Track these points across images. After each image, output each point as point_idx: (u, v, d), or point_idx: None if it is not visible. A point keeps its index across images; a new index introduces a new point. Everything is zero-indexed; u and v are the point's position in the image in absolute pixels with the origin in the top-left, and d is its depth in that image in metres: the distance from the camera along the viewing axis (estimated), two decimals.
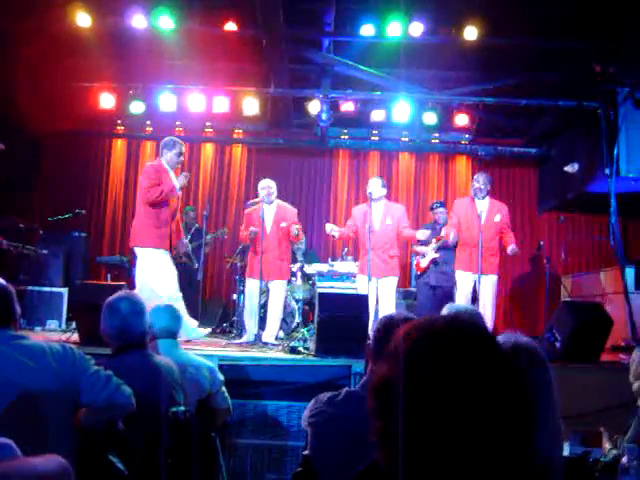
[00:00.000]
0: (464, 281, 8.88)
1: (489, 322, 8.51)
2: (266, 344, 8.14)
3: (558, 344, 7.19)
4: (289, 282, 9.81)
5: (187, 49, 10.29)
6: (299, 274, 10.11)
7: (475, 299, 8.84)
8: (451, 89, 11.31)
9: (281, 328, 9.38)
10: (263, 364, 6.77)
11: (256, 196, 9.09)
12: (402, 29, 9.97)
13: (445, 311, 3.70)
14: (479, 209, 8.84)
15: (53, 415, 3.14)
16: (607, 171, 9.64)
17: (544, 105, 11.03)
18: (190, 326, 7.67)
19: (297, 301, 9.92)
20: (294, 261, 10.41)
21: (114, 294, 4.06)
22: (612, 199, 9.56)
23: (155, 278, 7.67)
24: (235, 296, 10.43)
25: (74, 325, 7.55)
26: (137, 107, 11.39)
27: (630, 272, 9.98)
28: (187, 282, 10.03)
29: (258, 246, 8.51)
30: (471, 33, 9.98)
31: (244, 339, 8.59)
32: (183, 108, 11.42)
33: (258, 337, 8.33)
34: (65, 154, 12.63)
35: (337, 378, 6.46)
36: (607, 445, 4.11)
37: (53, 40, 9.85)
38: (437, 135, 12.89)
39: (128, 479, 3.42)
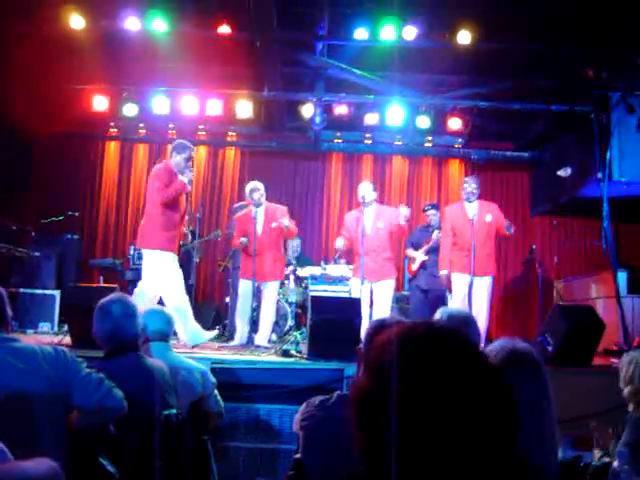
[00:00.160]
0: (459, 283, 8.86)
1: (483, 325, 8.52)
2: (258, 347, 8.13)
3: (550, 348, 7.20)
4: (282, 285, 9.81)
5: (180, 52, 10.28)
6: (292, 277, 10.11)
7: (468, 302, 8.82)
8: (444, 93, 11.33)
9: (274, 331, 9.37)
10: (255, 367, 6.76)
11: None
12: (396, 33, 9.98)
13: (438, 315, 3.70)
14: (470, 212, 8.85)
15: (44, 418, 3.13)
16: (599, 175, 9.66)
17: (537, 109, 11.06)
18: (197, 331, 7.60)
19: (290, 304, 9.92)
20: (287, 264, 10.41)
21: (106, 296, 4.06)
22: (604, 203, 9.57)
23: (161, 282, 7.61)
24: (228, 299, 10.42)
25: (66, 328, 7.53)
26: (130, 109, 11.37)
27: (622, 276, 10.01)
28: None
29: (251, 248, 8.49)
30: (464, 37, 9.99)
31: (236, 342, 8.58)
32: (176, 111, 11.41)
33: (250, 340, 8.32)
34: (58, 156, 12.61)
35: (329, 381, 6.46)
36: (596, 451, 4.12)
37: (46, 42, 9.83)
38: (430, 139, 12.91)
39: None
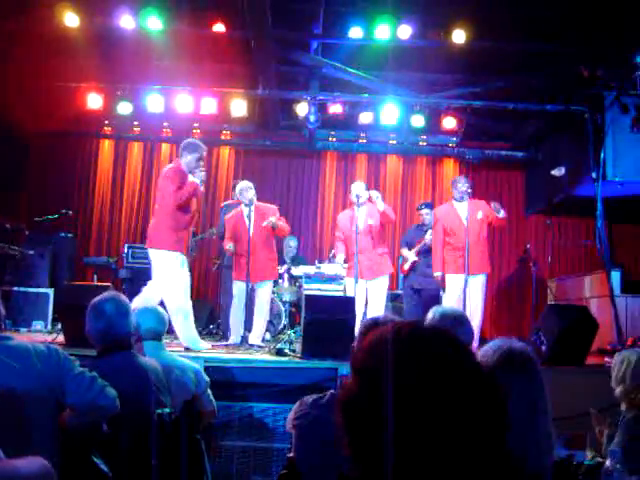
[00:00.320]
0: (454, 284, 8.86)
1: (478, 324, 8.53)
2: (252, 346, 8.12)
3: (544, 347, 7.21)
4: (276, 284, 9.81)
5: (175, 50, 10.25)
6: (286, 276, 10.11)
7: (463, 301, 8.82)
8: (439, 92, 11.33)
9: (268, 330, 9.37)
10: (249, 366, 6.76)
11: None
12: (390, 32, 9.98)
13: (430, 314, 3.70)
14: (462, 212, 8.85)
15: (37, 416, 3.12)
16: (594, 175, 9.68)
17: (531, 109, 11.07)
18: (194, 339, 7.57)
19: (284, 303, 9.92)
20: (282, 263, 10.40)
21: (99, 295, 4.05)
22: (598, 203, 9.59)
23: (165, 283, 7.57)
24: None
25: (60, 326, 7.51)
26: (125, 108, 11.35)
27: (616, 275, 10.03)
28: None
29: (244, 249, 8.47)
30: (459, 36, 10.00)
31: (230, 341, 8.57)
32: (171, 109, 11.39)
33: (244, 339, 8.31)
34: (52, 154, 12.58)
35: (323, 380, 6.46)
36: (589, 451, 4.13)
37: (41, 40, 9.80)
38: (425, 138, 12.91)
39: None
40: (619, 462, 2.84)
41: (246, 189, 8.81)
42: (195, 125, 12.72)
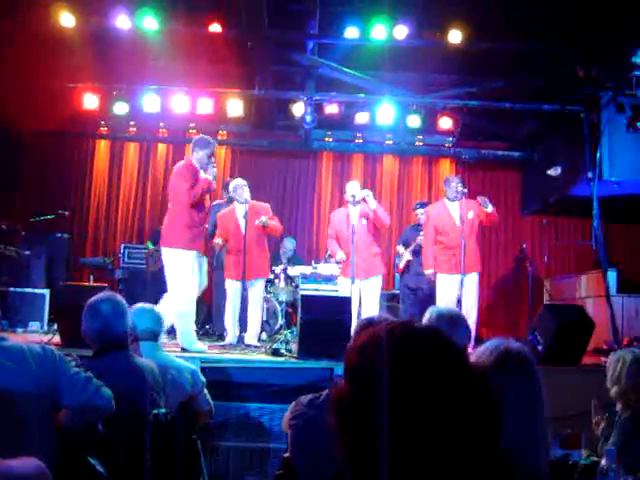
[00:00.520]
0: (446, 284, 8.84)
1: (473, 323, 8.53)
2: (248, 346, 8.12)
3: (540, 347, 7.22)
4: (272, 284, 9.81)
5: (171, 50, 10.25)
6: (282, 276, 10.10)
7: (459, 301, 8.81)
8: (435, 92, 11.33)
9: (264, 330, 9.37)
10: (245, 366, 6.76)
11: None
12: (387, 32, 9.98)
13: (427, 314, 3.70)
14: (454, 211, 8.86)
15: (32, 417, 3.12)
16: (590, 175, 9.69)
17: (527, 109, 11.08)
18: (191, 339, 7.53)
19: (280, 303, 9.92)
20: (278, 263, 10.40)
21: (95, 295, 4.04)
22: (595, 202, 9.60)
23: (174, 280, 7.54)
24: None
25: (56, 327, 7.50)
26: (121, 108, 11.33)
27: (612, 275, 10.05)
28: None
29: (238, 247, 8.46)
30: (455, 37, 10.00)
31: (227, 341, 8.57)
32: (167, 109, 11.38)
33: (240, 339, 8.31)
34: (48, 154, 12.56)
35: (319, 380, 6.46)
36: (584, 452, 4.13)
37: (37, 40, 9.79)
38: (421, 138, 12.91)
39: None
40: (614, 462, 2.84)
41: (241, 187, 8.81)
42: (191, 125, 12.71)
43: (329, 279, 9.78)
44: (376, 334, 1.30)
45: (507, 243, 12.91)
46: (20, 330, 9.37)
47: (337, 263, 9.25)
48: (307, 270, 10.18)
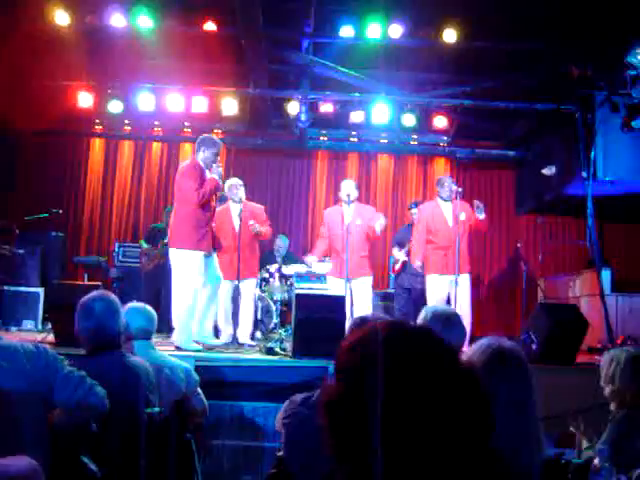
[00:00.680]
0: (438, 285, 8.82)
1: (468, 324, 8.52)
2: (243, 345, 8.12)
3: (534, 346, 7.23)
4: (267, 283, 9.81)
5: (166, 49, 10.25)
6: (277, 275, 10.08)
7: (449, 301, 8.79)
8: (430, 91, 11.35)
9: (259, 329, 9.36)
10: (240, 365, 6.76)
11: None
12: (381, 31, 9.99)
13: (423, 314, 3.70)
14: (446, 211, 8.86)
15: (25, 416, 3.12)
16: (584, 174, 9.70)
17: (522, 108, 11.08)
18: (187, 338, 7.46)
19: (275, 302, 9.90)
20: (272, 262, 10.40)
21: (88, 294, 4.04)
22: (589, 202, 9.61)
23: (179, 280, 7.49)
24: None
25: (50, 325, 7.49)
26: (115, 106, 11.33)
27: (606, 274, 10.07)
28: (167, 282, 10.00)
29: (231, 246, 8.44)
30: (450, 36, 10.01)
31: (221, 340, 8.56)
32: (162, 108, 11.36)
33: (234, 338, 8.31)
34: (42, 153, 12.54)
35: (314, 379, 6.45)
36: (581, 444, 4.13)
37: (31, 38, 9.78)
38: (416, 137, 12.91)
39: None
40: (607, 460, 2.85)
41: (236, 186, 8.81)
42: (186, 124, 12.71)
43: (324, 278, 9.76)
44: (366, 333, 1.29)
45: (501, 242, 12.92)
46: (14, 329, 9.34)
47: (311, 264, 9.19)
48: (302, 269, 10.17)
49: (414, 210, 10.24)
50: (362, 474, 1.21)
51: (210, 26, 10.08)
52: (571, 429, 4.19)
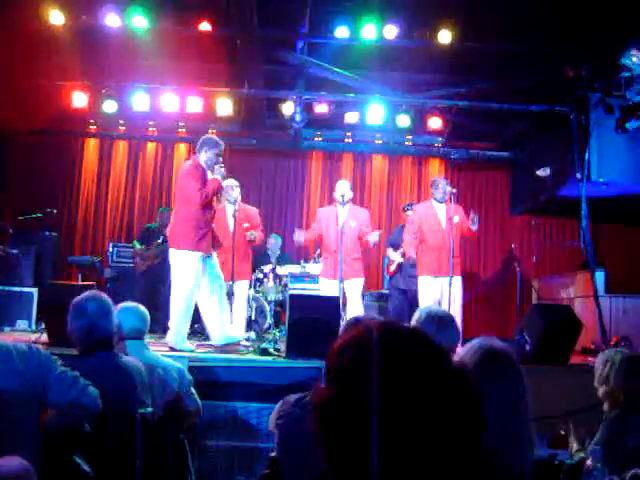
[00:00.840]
0: (430, 286, 8.82)
1: (460, 323, 8.52)
2: (237, 345, 8.11)
3: (528, 346, 7.23)
4: (261, 283, 9.81)
5: (161, 49, 10.24)
6: (271, 275, 10.08)
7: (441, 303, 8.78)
8: (424, 92, 11.36)
9: (253, 329, 9.35)
10: (233, 365, 6.75)
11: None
12: (376, 32, 9.99)
13: (417, 315, 3.70)
14: (441, 213, 8.86)
15: (18, 416, 3.11)
16: (578, 175, 9.72)
17: (517, 109, 11.10)
18: (181, 338, 7.43)
19: (269, 303, 9.90)
20: (266, 262, 10.39)
21: (81, 294, 4.03)
22: (583, 203, 9.62)
23: (177, 280, 7.48)
24: None
25: (44, 325, 7.48)
26: (110, 106, 11.31)
27: (600, 275, 10.07)
28: (160, 282, 9.99)
29: (227, 245, 8.44)
30: (445, 37, 10.01)
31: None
32: (156, 108, 11.36)
33: None
34: (37, 153, 12.51)
35: (308, 380, 6.45)
36: (575, 445, 4.14)
37: (26, 38, 9.77)
38: (410, 138, 12.92)
39: None
40: (599, 461, 2.85)
41: (232, 187, 8.81)
42: (181, 124, 12.70)
43: (318, 278, 9.77)
44: (356, 335, 1.29)
45: (496, 243, 12.93)
46: (8, 329, 9.32)
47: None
48: (296, 269, 10.18)
49: (409, 212, 10.25)
50: (353, 476, 1.21)
51: (205, 26, 10.06)
52: (562, 431, 4.20)
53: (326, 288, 8.82)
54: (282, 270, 10.13)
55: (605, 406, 4.16)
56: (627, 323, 9.85)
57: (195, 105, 11.25)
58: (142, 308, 4.96)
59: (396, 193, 13.16)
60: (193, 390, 5.18)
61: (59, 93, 11.23)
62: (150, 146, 13.12)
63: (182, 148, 13.09)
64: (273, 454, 3.17)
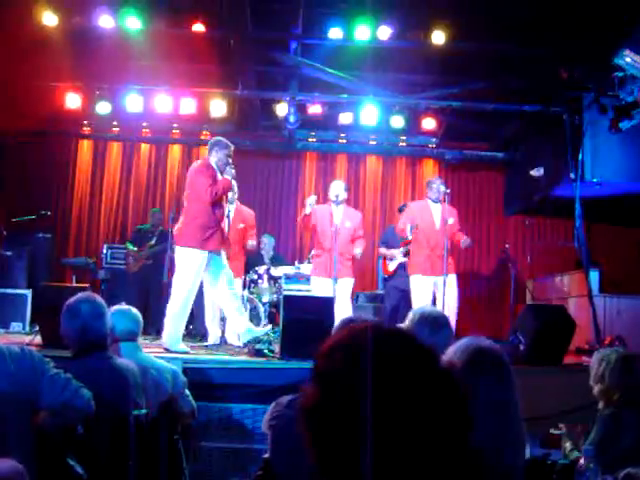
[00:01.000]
0: (423, 286, 8.82)
1: (453, 323, 8.52)
2: (231, 346, 8.12)
3: (522, 347, 7.24)
4: (255, 284, 9.80)
5: (154, 50, 10.22)
6: (265, 276, 10.07)
7: (434, 302, 8.78)
8: (418, 93, 11.35)
9: None
10: (228, 367, 6.74)
11: None
12: (370, 33, 9.97)
13: (410, 315, 3.70)
14: (436, 213, 8.87)
15: (11, 418, 3.11)
16: (572, 175, 9.73)
17: (510, 110, 11.12)
18: (176, 339, 7.41)
19: (264, 304, 9.89)
20: (261, 263, 10.39)
21: (75, 296, 4.03)
22: (577, 203, 9.64)
23: (180, 280, 7.47)
24: None
25: (37, 327, 7.47)
26: (103, 107, 11.29)
27: (594, 275, 10.09)
28: (154, 284, 9.99)
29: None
30: (438, 38, 10.00)
31: (209, 342, 8.56)
32: (150, 109, 11.35)
33: (223, 340, 8.31)
34: (30, 154, 12.48)
35: (302, 381, 6.38)
36: (568, 444, 4.15)
37: (19, 39, 9.74)
38: (404, 138, 12.94)
39: None
40: (592, 461, 2.86)
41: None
42: (174, 125, 12.70)
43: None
44: (342, 338, 1.29)
45: (490, 244, 12.94)
46: (1, 331, 9.33)
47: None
48: (290, 270, 10.18)
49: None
50: (342, 477, 1.21)
51: (198, 27, 10.05)
52: (553, 431, 4.21)
53: (318, 287, 8.81)
54: (276, 271, 10.13)
55: (600, 404, 4.18)
56: (621, 323, 9.86)
57: (189, 106, 11.24)
58: (135, 310, 4.94)
59: (390, 194, 13.16)
60: (187, 392, 5.17)
61: (52, 94, 11.20)
62: (144, 147, 13.11)
63: (176, 149, 13.08)
64: (266, 455, 3.17)
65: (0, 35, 9.43)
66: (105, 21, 9.91)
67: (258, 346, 7.71)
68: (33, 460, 3.06)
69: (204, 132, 12.86)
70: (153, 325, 9.30)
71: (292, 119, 11.21)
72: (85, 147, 13.07)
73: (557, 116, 10.23)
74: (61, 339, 4.09)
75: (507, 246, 11.05)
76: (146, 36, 10.04)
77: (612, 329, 9.59)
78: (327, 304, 7.40)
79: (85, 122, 12.66)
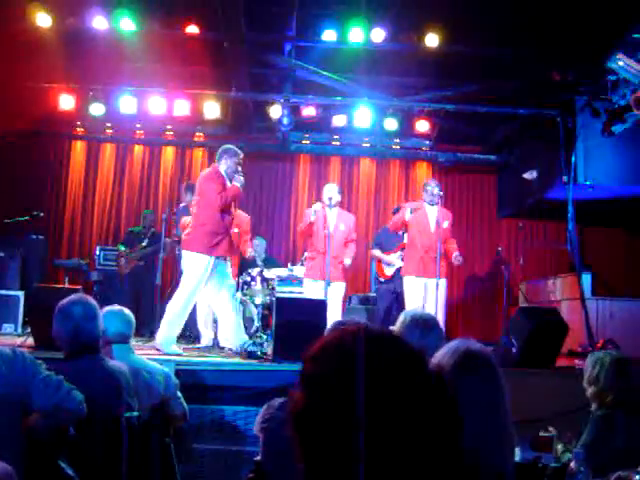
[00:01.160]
0: (415, 287, 8.82)
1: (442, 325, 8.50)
2: (223, 348, 8.11)
3: (514, 349, 7.25)
4: (248, 287, 9.79)
5: (148, 51, 10.21)
6: (258, 279, 10.06)
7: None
8: (412, 95, 11.37)
9: None
10: (220, 369, 6.74)
11: None
12: (364, 35, 9.98)
13: (401, 317, 3.70)
14: (431, 215, 8.87)
15: (1, 420, 3.10)
16: (565, 178, 9.76)
17: (504, 112, 11.13)
18: (170, 341, 7.41)
19: (256, 306, 9.88)
20: (254, 266, 10.37)
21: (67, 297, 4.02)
22: (570, 206, 9.67)
23: (185, 284, 7.50)
24: None
25: (30, 329, 7.45)
26: (97, 109, 11.27)
27: (586, 278, 10.12)
28: (146, 286, 9.98)
29: None
30: (432, 40, 10.02)
31: (202, 344, 8.55)
32: (144, 110, 11.34)
33: (215, 342, 8.30)
34: (23, 155, 12.45)
35: (294, 383, 6.42)
36: (560, 447, 4.15)
37: (12, 40, 9.72)
38: (398, 141, 12.95)
39: None
40: (582, 464, 2.86)
41: None
42: (168, 127, 12.69)
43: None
44: (327, 341, 1.29)
45: (483, 246, 12.96)
46: None
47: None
48: (283, 273, 10.17)
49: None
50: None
51: (192, 29, 10.05)
52: (543, 433, 4.22)
53: (311, 289, 8.80)
54: (270, 273, 10.12)
55: (593, 406, 4.20)
56: (613, 326, 9.89)
57: (182, 108, 11.23)
58: (127, 312, 4.93)
59: (384, 196, 13.17)
60: (180, 394, 5.16)
61: (46, 95, 11.19)
62: (137, 149, 13.09)
63: (169, 151, 13.07)
64: (258, 458, 3.17)
65: None
66: (99, 22, 9.90)
67: (250, 348, 7.71)
68: (24, 462, 3.06)
69: (197, 134, 12.87)
70: (146, 326, 9.28)
71: (286, 121, 11.20)
72: (78, 148, 13.05)
73: (550, 119, 10.27)
74: (53, 341, 4.08)
75: (500, 249, 11.06)
76: (140, 38, 10.03)
77: (604, 332, 9.62)
78: (320, 306, 7.40)
79: (78, 123, 12.65)
